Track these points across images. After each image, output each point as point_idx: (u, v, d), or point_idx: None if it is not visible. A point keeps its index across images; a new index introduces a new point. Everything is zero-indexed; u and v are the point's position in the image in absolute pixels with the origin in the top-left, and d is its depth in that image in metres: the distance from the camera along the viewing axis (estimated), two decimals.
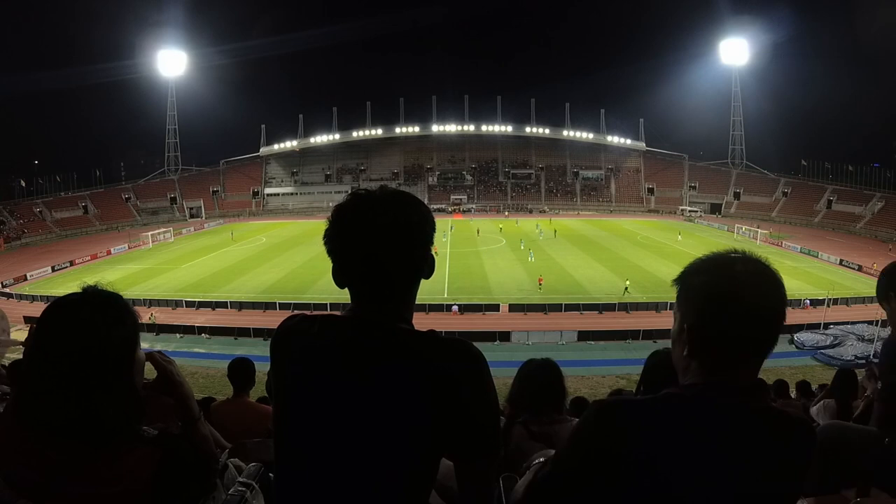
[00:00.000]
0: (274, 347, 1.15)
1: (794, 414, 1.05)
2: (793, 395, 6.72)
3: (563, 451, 1.12)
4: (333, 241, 1.10)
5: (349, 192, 1.17)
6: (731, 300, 0.99)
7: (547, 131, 77.46)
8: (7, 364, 2.57)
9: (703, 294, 1.02)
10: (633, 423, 1.00)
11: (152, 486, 1.04)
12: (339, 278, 1.11)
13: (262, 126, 77.94)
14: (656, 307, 25.94)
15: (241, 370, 3.54)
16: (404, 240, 1.08)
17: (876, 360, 3.00)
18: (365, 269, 1.08)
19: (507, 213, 66.96)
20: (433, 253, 1.15)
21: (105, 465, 1.03)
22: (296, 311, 1.21)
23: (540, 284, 29.32)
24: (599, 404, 1.06)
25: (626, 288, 28.15)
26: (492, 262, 36.68)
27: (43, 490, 1.01)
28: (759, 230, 47.21)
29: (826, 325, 23.24)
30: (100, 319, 1.08)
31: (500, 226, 47.56)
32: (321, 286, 28.72)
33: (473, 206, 71.62)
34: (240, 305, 27.31)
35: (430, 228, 1.12)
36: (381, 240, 1.06)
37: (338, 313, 1.13)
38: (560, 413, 2.30)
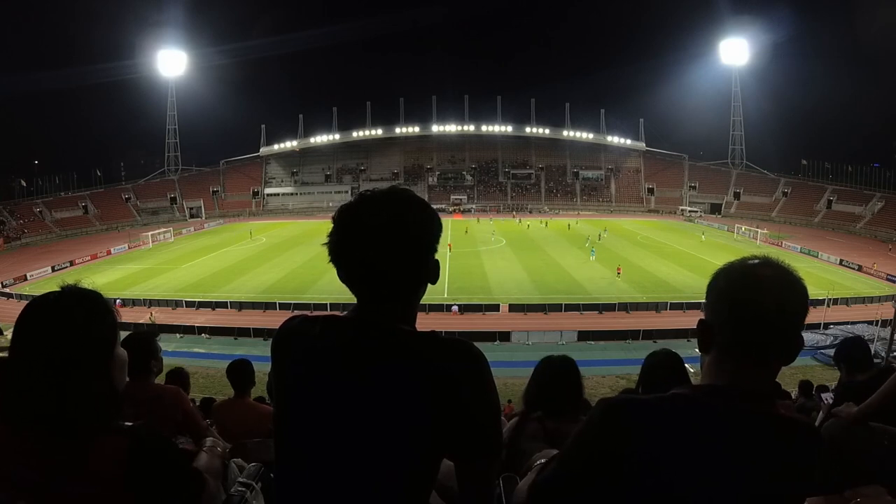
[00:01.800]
0: (275, 348, 1.15)
1: (799, 418, 1.06)
2: (794, 395, 6.71)
3: (567, 450, 1.11)
4: (332, 243, 1.10)
5: (350, 192, 1.16)
6: (752, 305, 1.00)
7: (547, 131, 77.46)
8: None
9: (727, 297, 1.04)
10: (638, 423, 1.00)
11: (124, 476, 1.04)
12: (342, 279, 1.11)
13: (262, 126, 78.11)
14: (656, 307, 25.96)
15: (237, 372, 3.54)
16: (399, 241, 1.06)
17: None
18: (362, 271, 1.08)
19: (515, 215, 66.08)
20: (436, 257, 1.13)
21: (75, 457, 1.03)
22: (297, 312, 1.20)
23: (619, 273, 31.13)
24: (605, 403, 1.06)
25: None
26: (492, 262, 36.69)
27: (40, 490, 1.02)
28: (759, 230, 47.20)
29: (826, 325, 23.23)
30: (76, 316, 1.09)
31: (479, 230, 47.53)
32: (321, 286, 28.73)
33: (473, 206, 71.62)
34: (240, 305, 27.31)
35: (430, 230, 1.10)
36: (374, 242, 1.05)
37: (339, 314, 1.13)
38: (578, 412, 2.26)
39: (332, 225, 1.10)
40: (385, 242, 1.05)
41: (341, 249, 1.08)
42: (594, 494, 1.04)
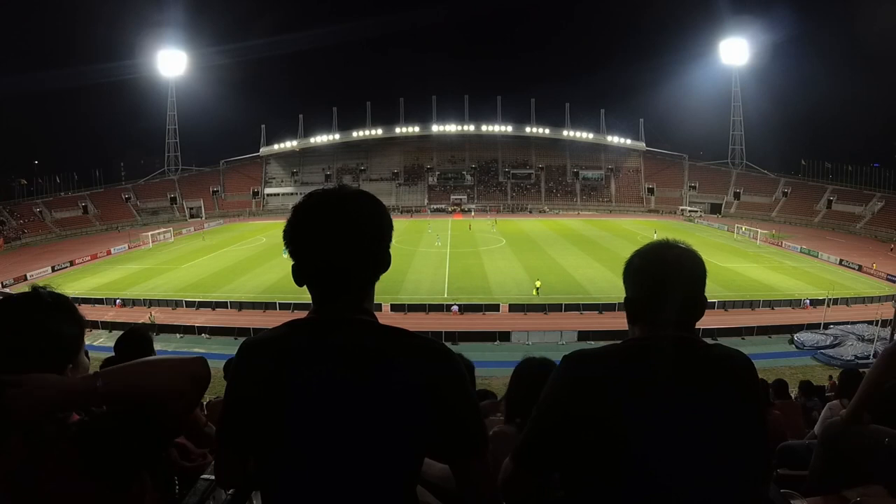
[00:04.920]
0: (253, 353, 1.14)
1: (730, 349, 1.25)
2: (793, 394, 6.70)
3: (538, 409, 1.24)
4: (292, 243, 1.12)
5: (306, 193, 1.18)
6: (661, 277, 1.22)
7: (547, 131, 77.43)
8: None
9: (643, 274, 1.26)
10: (595, 368, 1.21)
11: (78, 462, 1.01)
12: (299, 277, 1.13)
13: (262, 126, 78.09)
14: None
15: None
16: (357, 240, 1.10)
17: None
18: (324, 271, 1.11)
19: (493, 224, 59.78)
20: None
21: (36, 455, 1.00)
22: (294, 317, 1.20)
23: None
24: (566, 357, 1.25)
25: (537, 289, 28.38)
26: (492, 262, 36.68)
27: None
28: (759, 230, 47.20)
29: (826, 325, 23.22)
30: (51, 318, 1.07)
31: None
32: None
33: (473, 206, 71.59)
34: (240, 305, 27.32)
35: (385, 226, 1.14)
36: (334, 243, 1.09)
37: (300, 317, 1.14)
38: None
39: (290, 225, 1.13)
40: (344, 243, 1.09)
41: (299, 249, 1.12)
42: (573, 444, 1.16)
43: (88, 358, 1.19)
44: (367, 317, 1.13)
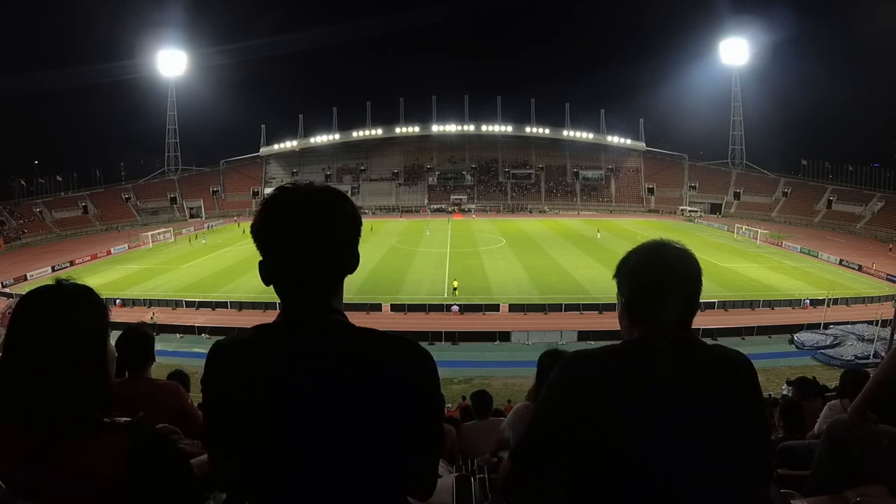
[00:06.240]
0: (233, 351, 1.12)
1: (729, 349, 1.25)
2: (785, 391, 6.70)
3: (538, 410, 1.24)
4: (260, 235, 1.09)
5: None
6: (660, 277, 1.22)
7: (547, 131, 77.44)
8: None
9: (635, 274, 1.26)
10: (593, 368, 1.20)
11: (124, 476, 1.04)
12: (266, 276, 1.10)
13: (262, 126, 78.05)
14: None
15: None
16: (330, 239, 1.08)
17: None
18: (296, 269, 1.08)
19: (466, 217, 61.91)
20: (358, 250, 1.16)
21: (73, 456, 1.04)
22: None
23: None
24: (563, 359, 1.25)
25: (455, 289, 28.20)
26: (492, 262, 36.69)
27: (40, 489, 1.02)
28: (759, 230, 47.21)
29: (826, 325, 23.22)
30: (76, 309, 1.12)
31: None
32: None
33: (473, 206, 71.61)
34: (240, 305, 27.31)
35: (354, 224, 1.12)
36: (301, 238, 1.06)
37: (268, 321, 1.12)
38: None
39: (259, 220, 1.09)
40: (318, 241, 1.06)
41: (269, 248, 1.08)
42: (570, 443, 1.15)
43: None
44: (338, 316, 1.12)
